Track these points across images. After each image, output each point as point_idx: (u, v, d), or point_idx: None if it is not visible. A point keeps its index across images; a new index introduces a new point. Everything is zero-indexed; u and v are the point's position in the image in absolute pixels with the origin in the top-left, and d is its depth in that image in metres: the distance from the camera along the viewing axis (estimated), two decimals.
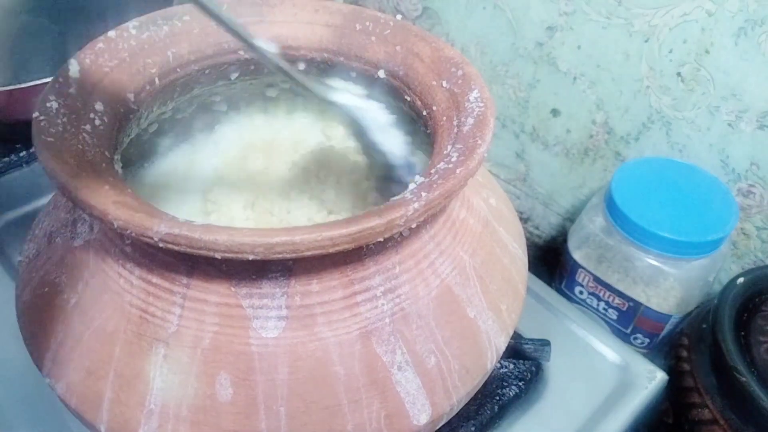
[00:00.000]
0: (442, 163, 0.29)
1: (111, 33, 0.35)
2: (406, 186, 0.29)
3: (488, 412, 0.43)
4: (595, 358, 0.49)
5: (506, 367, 0.45)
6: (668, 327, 0.54)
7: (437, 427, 0.32)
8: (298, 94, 0.45)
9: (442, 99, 0.34)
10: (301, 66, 0.40)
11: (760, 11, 0.46)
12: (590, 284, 0.55)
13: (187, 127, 0.43)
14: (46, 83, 0.32)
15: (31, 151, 0.58)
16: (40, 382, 0.31)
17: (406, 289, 0.30)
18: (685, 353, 0.49)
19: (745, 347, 0.45)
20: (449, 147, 0.30)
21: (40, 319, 0.31)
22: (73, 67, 0.33)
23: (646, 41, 0.52)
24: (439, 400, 0.30)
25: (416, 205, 0.26)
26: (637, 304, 0.53)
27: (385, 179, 0.37)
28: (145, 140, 0.41)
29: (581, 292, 0.57)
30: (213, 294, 0.28)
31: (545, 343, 0.46)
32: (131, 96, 0.34)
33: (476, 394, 0.35)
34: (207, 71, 0.39)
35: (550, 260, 0.72)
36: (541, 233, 0.72)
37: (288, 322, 0.28)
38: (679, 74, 0.52)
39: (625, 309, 0.54)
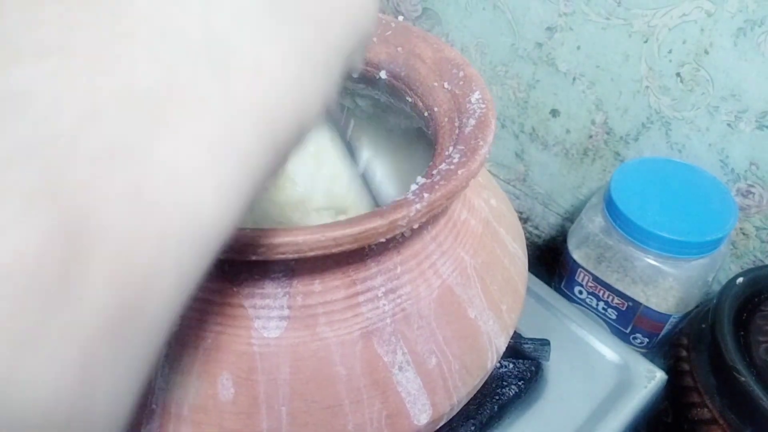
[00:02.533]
0: (443, 164, 0.29)
1: None
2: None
3: (488, 411, 0.43)
4: (595, 358, 0.49)
5: (506, 366, 0.46)
6: (667, 327, 0.54)
7: (438, 427, 0.32)
8: None
9: (443, 100, 0.34)
10: None
11: (759, 12, 0.46)
12: (589, 284, 0.55)
13: None
14: None
15: None
16: None
17: (408, 289, 0.30)
18: (684, 353, 0.49)
19: (745, 347, 0.45)
20: (451, 148, 0.30)
21: None
22: None
23: (645, 42, 0.52)
24: (440, 400, 0.31)
25: (418, 206, 0.26)
26: (637, 304, 0.53)
27: None
28: None
29: (581, 292, 0.57)
30: (215, 294, 0.28)
31: (545, 343, 0.46)
32: None
33: (476, 394, 0.35)
34: None
35: (550, 260, 0.72)
36: (540, 233, 0.72)
37: (290, 322, 0.28)
38: (678, 74, 0.52)
39: (624, 309, 0.54)
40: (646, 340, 0.55)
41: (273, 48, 0.15)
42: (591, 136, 0.60)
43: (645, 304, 0.53)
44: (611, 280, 0.54)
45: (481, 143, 0.30)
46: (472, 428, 0.42)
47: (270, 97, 0.15)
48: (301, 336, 0.28)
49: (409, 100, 0.37)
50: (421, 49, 0.36)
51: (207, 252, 0.14)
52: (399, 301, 0.30)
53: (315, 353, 0.28)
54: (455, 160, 0.29)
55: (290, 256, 0.25)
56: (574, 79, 0.59)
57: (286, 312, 0.28)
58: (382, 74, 0.37)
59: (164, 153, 0.13)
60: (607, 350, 0.49)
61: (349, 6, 0.17)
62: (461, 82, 0.34)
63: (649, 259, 0.51)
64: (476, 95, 0.33)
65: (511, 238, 0.37)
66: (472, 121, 0.31)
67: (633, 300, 0.53)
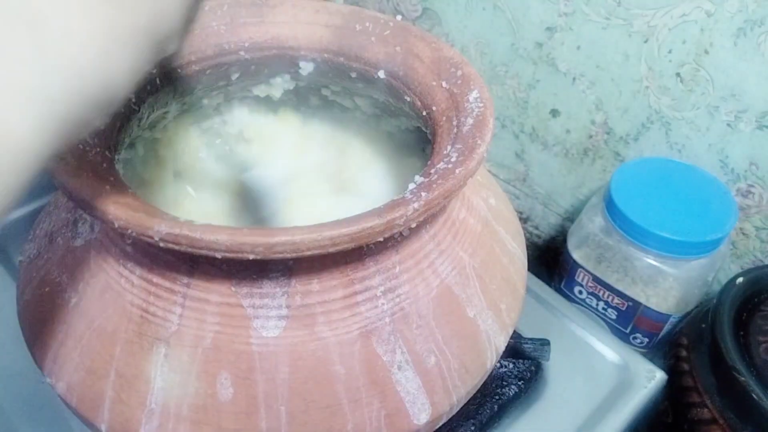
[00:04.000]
0: (441, 163, 0.29)
1: None
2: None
3: (488, 411, 0.43)
4: (595, 358, 0.49)
5: (506, 366, 0.46)
6: (667, 327, 0.54)
7: (437, 427, 0.32)
8: (303, 96, 0.45)
9: (441, 99, 0.34)
10: (303, 64, 0.40)
11: (759, 11, 0.46)
12: (589, 284, 0.55)
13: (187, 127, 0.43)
14: None
15: None
16: (40, 381, 0.31)
17: (406, 288, 0.30)
18: (684, 353, 0.49)
19: (745, 347, 0.45)
20: (449, 147, 0.30)
21: (41, 318, 0.31)
22: None
23: (645, 42, 0.52)
24: (439, 400, 0.31)
25: (416, 205, 0.26)
26: (637, 304, 0.53)
27: None
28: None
29: (581, 292, 0.57)
30: (214, 293, 0.28)
31: (545, 343, 0.46)
32: (132, 96, 0.34)
33: (476, 394, 0.35)
34: (208, 72, 0.39)
35: (550, 260, 0.72)
36: (540, 233, 0.72)
37: (288, 321, 0.28)
38: (678, 74, 0.52)
39: (624, 309, 0.54)
40: (646, 340, 0.55)
41: (84, 23, 0.19)
42: (591, 136, 0.60)
43: (645, 304, 0.53)
44: (611, 280, 0.54)
45: (479, 142, 0.30)
46: (472, 428, 0.42)
47: (78, 60, 0.19)
48: (300, 335, 0.28)
49: (408, 99, 0.37)
50: (419, 49, 0.36)
51: (18, 170, 0.18)
52: (398, 300, 0.30)
53: (314, 353, 0.28)
54: (453, 159, 0.29)
55: (288, 256, 0.25)
56: (574, 79, 0.59)
57: (284, 311, 0.28)
58: (381, 74, 0.38)
59: None
60: (607, 350, 0.49)
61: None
62: (459, 81, 0.34)
63: (649, 259, 0.51)
64: (474, 94, 0.33)
65: (510, 237, 0.37)
66: (470, 120, 0.31)
67: (633, 300, 0.53)
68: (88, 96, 0.19)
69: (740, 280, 0.48)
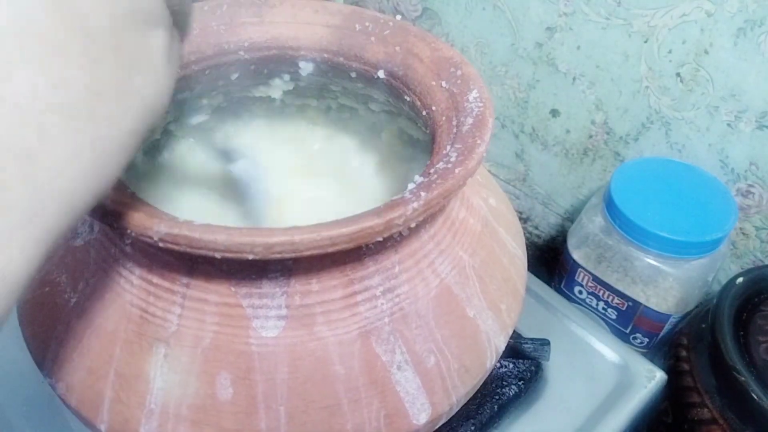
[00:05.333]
0: (441, 163, 0.29)
1: None
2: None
3: (488, 411, 0.43)
4: (595, 358, 0.49)
5: (506, 366, 0.46)
6: (667, 327, 0.54)
7: (437, 427, 0.32)
8: (303, 95, 0.45)
9: (441, 99, 0.34)
10: (303, 65, 0.40)
11: (759, 11, 0.46)
12: (589, 284, 0.55)
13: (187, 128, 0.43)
14: None
15: None
16: (40, 381, 0.31)
17: (406, 288, 0.30)
18: (684, 353, 0.49)
19: (745, 347, 0.45)
20: (448, 147, 0.30)
21: (40, 318, 0.31)
22: None
23: (645, 42, 0.52)
24: (439, 400, 0.31)
25: (415, 204, 0.26)
26: (637, 304, 0.53)
27: None
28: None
29: (580, 292, 0.57)
30: (213, 294, 0.28)
31: (545, 343, 0.46)
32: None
33: (476, 394, 0.35)
34: (207, 72, 0.39)
35: (550, 260, 0.72)
36: (540, 233, 0.72)
37: (288, 321, 0.28)
38: (678, 74, 0.52)
39: (624, 309, 0.54)
40: (646, 340, 0.55)
41: (70, 148, 0.18)
42: (591, 136, 0.60)
43: (645, 304, 0.53)
44: (611, 280, 0.54)
45: (479, 142, 0.30)
46: (472, 428, 0.42)
47: (69, 184, 0.18)
48: (299, 335, 0.28)
49: (408, 99, 0.37)
50: (419, 49, 0.36)
51: (10, 295, 0.18)
52: (397, 300, 0.30)
53: (313, 353, 0.28)
54: (453, 159, 0.29)
55: (287, 256, 0.25)
56: (574, 79, 0.59)
57: (284, 311, 0.28)
58: (380, 74, 0.38)
59: None
60: (607, 350, 0.49)
61: (143, 98, 0.21)
62: (459, 81, 0.34)
63: (649, 259, 0.51)
64: (474, 94, 0.33)
65: (510, 237, 0.37)
66: (470, 120, 0.31)
67: (633, 300, 0.53)
68: (77, 209, 0.19)
69: (740, 280, 0.48)
